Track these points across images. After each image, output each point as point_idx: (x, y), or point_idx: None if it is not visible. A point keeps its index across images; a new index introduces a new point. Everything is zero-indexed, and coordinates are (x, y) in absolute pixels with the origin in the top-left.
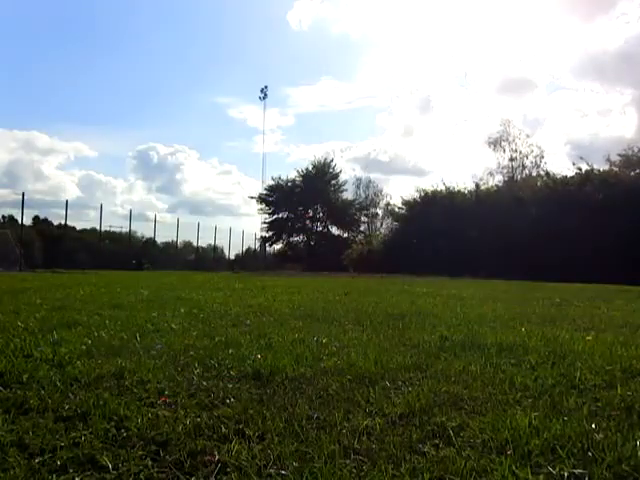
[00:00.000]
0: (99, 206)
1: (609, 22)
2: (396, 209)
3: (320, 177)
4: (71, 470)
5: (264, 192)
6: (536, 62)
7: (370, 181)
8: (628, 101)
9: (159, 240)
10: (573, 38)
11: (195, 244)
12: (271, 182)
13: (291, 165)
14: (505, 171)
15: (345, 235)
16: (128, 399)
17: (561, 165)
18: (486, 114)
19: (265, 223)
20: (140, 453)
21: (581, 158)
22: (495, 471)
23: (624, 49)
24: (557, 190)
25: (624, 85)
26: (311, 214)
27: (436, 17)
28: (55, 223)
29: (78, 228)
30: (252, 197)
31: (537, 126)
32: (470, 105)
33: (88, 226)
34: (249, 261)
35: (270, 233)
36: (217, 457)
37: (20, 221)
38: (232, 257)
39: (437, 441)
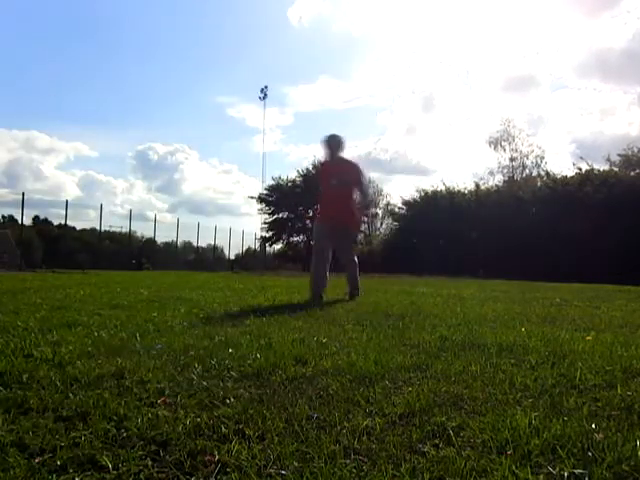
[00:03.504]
0: (99, 206)
1: (614, 19)
2: (396, 209)
3: None
4: (71, 470)
5: (264, 192)
6: (539, 60)
7: (370, 181)
8: (633, 99)
9: (159, 240)
10: (577, 35)
11: (195, 244)
12: (271, 182)
13: (291, 165)
14: (505, 171)
15: None
16: (128, 399)
17: (566, 164)
18: (489, 112)
19: (265, 223)
20: (140, 453)
21: (581, 158)
22: (495, 471)
23: (629, 46)
24: (557, 190)
25: (629, 83)
26: (311, 214)
27: (438, 14)
28: (55, 223)
29: (78, 228)
30: (252, 197)
31: (541, 125)
32: (473, 103)
33: (88, 226)
34: (249, 261)
35: (270, 233)
36: (217, 457)
37: (20, 221)
38: (232, 257)
39: (437, 441)
